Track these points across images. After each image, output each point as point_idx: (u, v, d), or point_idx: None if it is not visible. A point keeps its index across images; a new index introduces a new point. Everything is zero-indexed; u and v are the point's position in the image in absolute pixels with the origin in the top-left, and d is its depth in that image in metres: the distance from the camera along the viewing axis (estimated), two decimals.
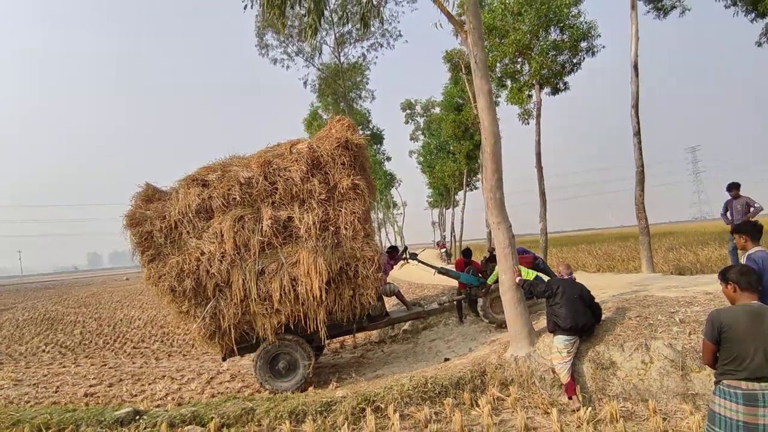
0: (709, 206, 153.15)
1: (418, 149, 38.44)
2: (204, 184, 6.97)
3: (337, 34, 25.26)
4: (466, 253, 9.49)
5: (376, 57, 25.69)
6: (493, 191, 5.96)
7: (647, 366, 4.90)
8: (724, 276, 2.91)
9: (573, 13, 13.57)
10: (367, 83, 29.62)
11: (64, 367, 9.55)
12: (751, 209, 8.03)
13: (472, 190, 27.30)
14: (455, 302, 8.51)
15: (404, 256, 8.89)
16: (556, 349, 5.09)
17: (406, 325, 8.95)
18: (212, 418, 5.13)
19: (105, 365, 9.42)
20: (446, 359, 6.76)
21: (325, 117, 32.95)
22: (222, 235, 6.61)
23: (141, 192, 7.14)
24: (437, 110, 33.96)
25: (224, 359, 7.48)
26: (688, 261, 11.10)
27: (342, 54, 26.04)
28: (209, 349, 7.27)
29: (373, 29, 25.77)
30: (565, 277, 5.53)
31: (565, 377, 4.95)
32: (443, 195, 39.94)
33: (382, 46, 26.06)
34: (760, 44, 10.69)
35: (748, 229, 4.10)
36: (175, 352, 10.15)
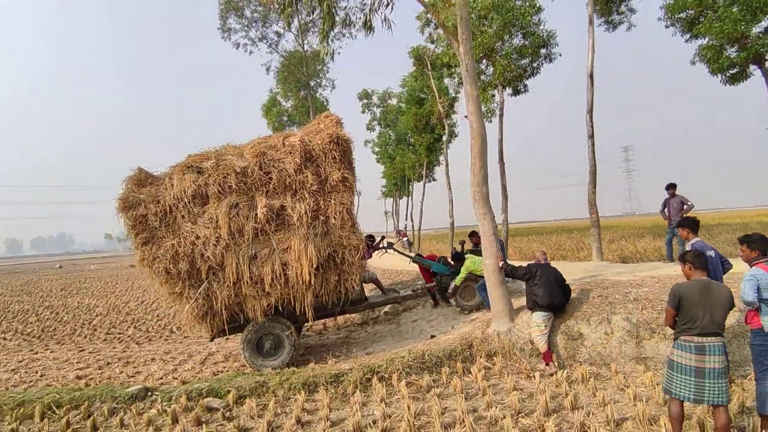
0: (638, 202, 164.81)
1: (373, 140, 38.97)
2: (199, 171, 7.19)
3: (301, 22, 25.20)
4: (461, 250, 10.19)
5: (341, 47, 25.76)
6: (480, 186, 6.69)
7: (609, 336, 5.85)
8: (683, 258, 3.78)
9: (535, 21, 14.64)
10: (327, 72, 29.77)
11: (36, 353, 9.34)
12: (685, 206, 9.36)
13: (430, 181, 28.30)
14: (427, 289, 9.22)
15: (382, 245, 9.53)
16: (535, 324, 5.93)
17: (387, 308, 9.60)
18: (229, 390, 5.53)
19: (83, 351, 9.33)
20: (432, 336, 7.49)
21: (284, 104, 32.76)
22: (217, 221, 6.90)
23: (133, 176, 7.26)
24: (394, 101, 34.69)
25: (212, 339, 7.77)
26: (629, 251, 12.56)
27: (306, 42, 26.03)
28: (197, 329, 7.47)
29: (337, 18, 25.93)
30: (542, 261, 6.39)
31: (543, 347, 5.80)
32: (398, 185, 40.84)
33: (344, 36, 26.31)
34: (693, 63, 12.21)
35: (689, 224, 5.12)
36: (154, 337, 10.18)
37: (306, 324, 8.86)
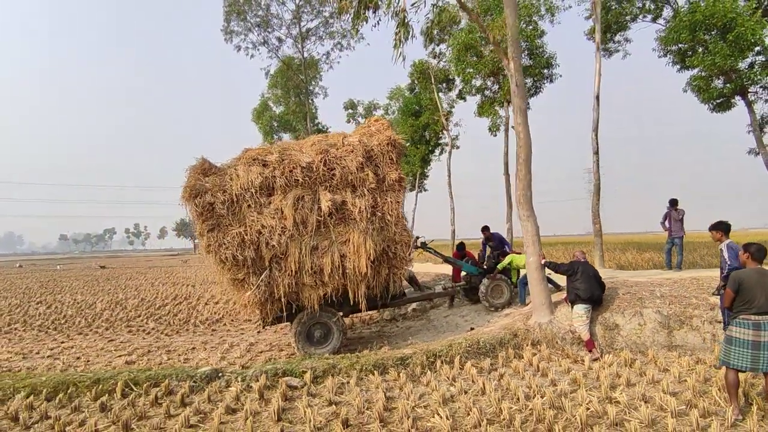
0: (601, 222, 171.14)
1: None
2: (264, 164, 7.53)
3: (303, 29, 25.71)
4: (460, 246, 10.89)
5: (339, 56, 26.39)
6: (525, 190, 7.36)
7: (642, 327, 6.58)
8: (747, 248, 4.50)
9: (539, 43, 15.73)
10: (320, 80, 30.28)
11: (63, 343, 9.27)
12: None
13: (421, 191, 29.06)
14: (458, 288, 9.82)
15: (417, 244, 10.04)
16: (577, 315, 6.59)
17: (414, 305, 10.09)
18: (304, 371, 5.89)
19: (112, 341, 9.33)
20: (471, 328, 8.05)
21: (275, 109, 32.96)
22: (283, 212, 7.26)
23: (197, 165, 7.53)
24: (379, 112, 35.49)
25: (264, 326, 8.08)
26: (624, 260, 13.59)
27: (305, 50, 26.51)
28: (253, 315, 7.67)
29: (334, 29, 26.62)
30: (581, 260, 7.08)
31: (585, 335, 6.45)
32: None
33: (343, 47, 26.97)
34: (685, 90, 13.49)
35: (721, 227, 5.89)
36: (180, 330, 10.26)
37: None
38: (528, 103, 16.78)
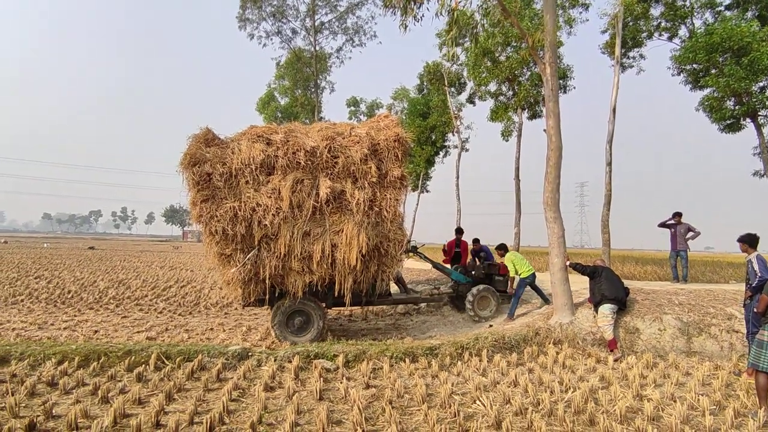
0: (588, 236, 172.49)
1: None
2: (268, 142, 7.45)
3: (317, 22, 25.71)
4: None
5: (351, 52, 26.43)
6: (553, 192, 7.52)
7: (662, 332, 6.78)
8: None
9: (558, 53, 15.97)
10: (329, 74, 30.27)
11: (75, 317, 9.19)
12: (691, 233, 10.60)
13: (423, 192, 29.23)
14: (444, 294, 9.73)
15: (407, 248, 9.94)
16: (603, 315, 6.75)
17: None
18: (336, 355, 5.96)
19: (126, 317, 9.28)
20: (490, 325, 8.17)
21: (280, 101, 32.91)
22: (280, 192, 7.17)
23: (200, 134, 7.46)
24: (382, 110, 35.62)
25: (244, 306, 7.91)
26: (626, 272, 13.89)
27: (317, 43, 26.51)
28: (234, 294, 7.52)
29: (347, 24, 26.71)
30: (604, 266, 7.26)
31: (609, 335, 6.63)
32: None
33: (355, 43, 27.03)
34: (698, 110, 13.85)
35: (748, 240, 6.08)
36: (193, 311, 10.22)
37: (341, 309, 9.11)
38: (542, 110, 17.22)
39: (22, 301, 10.77)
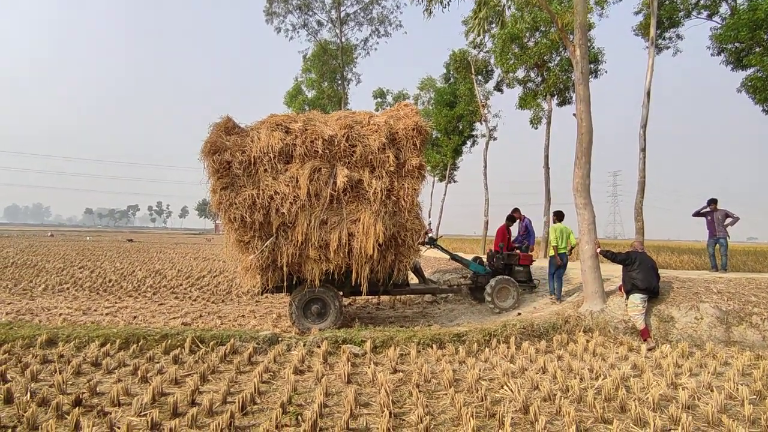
0: (622, 227, 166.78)
1: None
2: (287, 131, 7.50)
3: (342, 14, 25.73)
4: (510, 218, 10.44)
5: (377, 43, 26.36)
6: (583, 178, 7.34)
7: (699, 321, 6.54)
8: None
9: (588, 37, 15.45)
10: (355, 66, 30.27)
11: (115, 303, 9.65)
12: (730, 219, 10.12)
13: (451, 183, 28.97)
14: (464, 286, 9.65)
15: (425, 240, 9.80)
16: (633, 304, 6.58)
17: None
18: (364, 340, 6.04)
19: (163, 305, 9.68)
20: (519, 314, 8.09)
21: (307, 94, 33.17)
22: (298, 181, 7.23)
23: (220, 123, 7.59)
24: (410, 101, 35.38)
25: (262, 293, 8.02)
26: (662, 261, 13.43)
27: (342, 35, 26.56)
28: (252, 281, 7.52)
29: (373, 15, 26.60)
30: (639, 250, 7.05)
31: (641, 325, 6.45)
32: None
33: (381, 34, 26.91)
34: (740, 91, 13.15)
35: None
36: (226, 299, 10.58)
37: (360, 297, 9.11)
38: (572, 96, 16.74)
39: (67, 288, 11.38)
